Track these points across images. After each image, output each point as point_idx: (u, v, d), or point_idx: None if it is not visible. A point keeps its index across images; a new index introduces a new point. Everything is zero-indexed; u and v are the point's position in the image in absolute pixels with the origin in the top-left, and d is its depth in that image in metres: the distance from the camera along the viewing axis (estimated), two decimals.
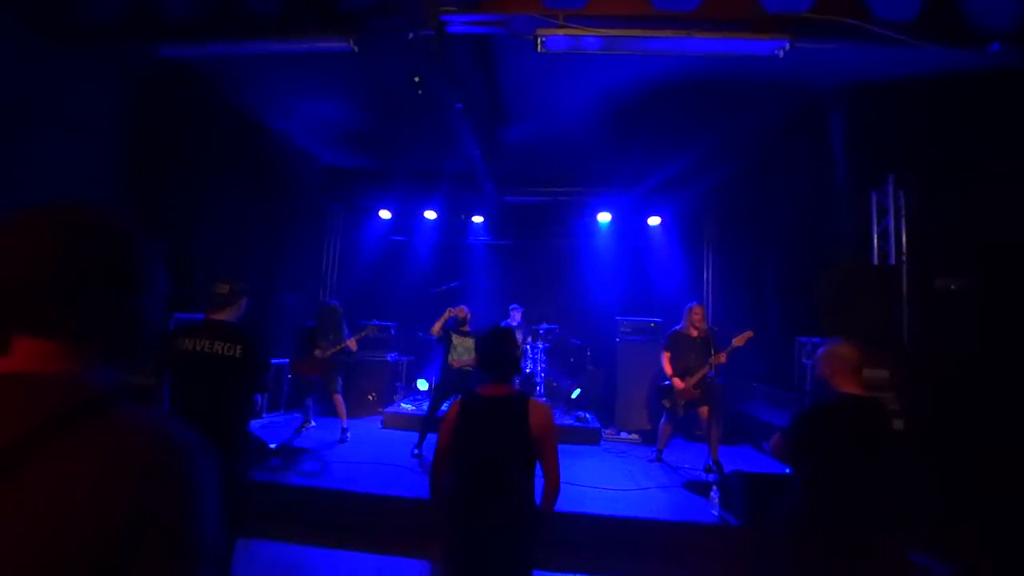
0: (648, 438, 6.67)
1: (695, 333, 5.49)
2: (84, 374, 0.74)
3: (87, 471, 0.64)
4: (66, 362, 0.73)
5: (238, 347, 2.79)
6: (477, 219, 9.02)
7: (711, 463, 5.14)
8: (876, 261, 4.67)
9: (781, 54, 3.58)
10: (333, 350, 6.02)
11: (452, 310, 6.07)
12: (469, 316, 6.07)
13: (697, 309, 5.57)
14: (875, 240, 4.69)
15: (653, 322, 7.15)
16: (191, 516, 0.69)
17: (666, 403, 5.53)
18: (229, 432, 2.76)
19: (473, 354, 5.54)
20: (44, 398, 0.69)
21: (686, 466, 5.51)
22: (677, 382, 5.37)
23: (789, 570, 2.42)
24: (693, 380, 5.32)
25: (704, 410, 5.35)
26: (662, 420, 5.68)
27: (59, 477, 0.63)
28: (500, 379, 2.28)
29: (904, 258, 4.45)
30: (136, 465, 0.66)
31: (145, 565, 0.64)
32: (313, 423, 6.36)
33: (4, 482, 0.61)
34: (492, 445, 2.15)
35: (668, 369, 5.48)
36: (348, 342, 6.05)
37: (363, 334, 6.36)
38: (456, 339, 5.92)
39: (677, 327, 5.65)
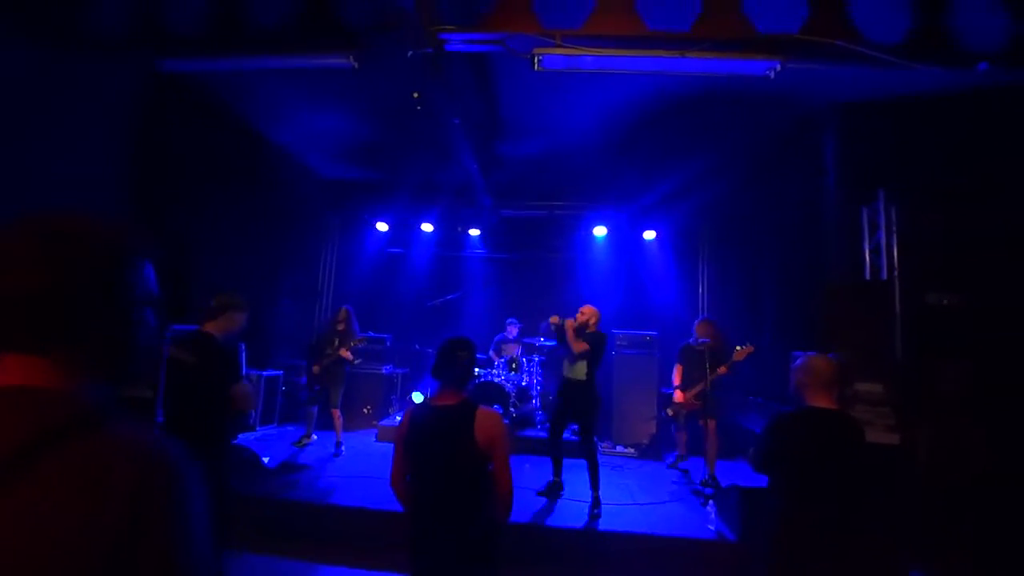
0: (645, 452, 6.65)
1: (701, 346, 5.60)
2: (75, 389, 0.73)
3: (77, 488, 0.63)
4: (57, 377, 0.72)
5: (196, 355, 2.82)
6: (474, 232, 9.05)
7: (707, 477, 5.14)
8: (868, 276, 4.72)
9: (772, 74, 3.65)
10: (332, 357, 6.04)
11: (583, 314, 5.01)
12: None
13: (699, 324, 5.76)
14: (867, 255, 4.74)
15: (649, 335, 7.17)
16: (181, 533, 0.69)
17: (669, 411, 5.77)
18: (206, 441, 2.76)
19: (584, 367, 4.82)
20: (34, 413, 0.68)
21: (684, 480, 5.51)
22: (678, 394, 5.61)
23: None
24: (693, 391, 5.46)
25: (703, 422, 5.41)
26: (672, 429, 6.00)
27: (49, 494, 0.62)
28: (450, 387, 2.25)
29: (896, 273, 4.50)
30: (126, 482, 0.65)
31: None
32: (315, 437, 6.32)
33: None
34: (438, 455, 2.12)
35: (676, 380, 5.75)
36: (340, 351, 6.07)
37: (352, 345, 6.36)
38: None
39: (689, 340, 5.77)
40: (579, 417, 4.80)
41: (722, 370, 5.34)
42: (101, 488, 0.64)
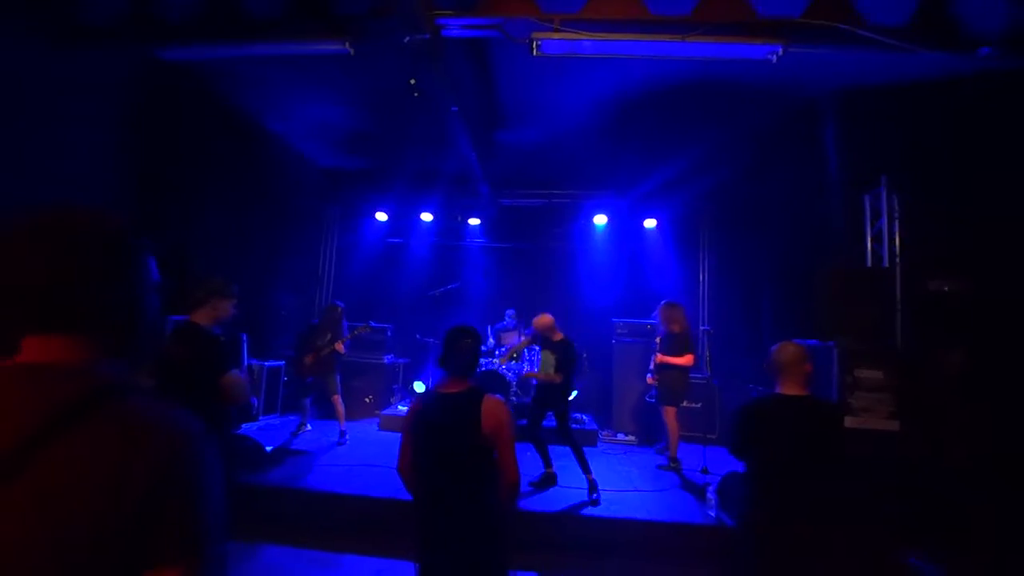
0: (645, 439, 6.69)
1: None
2: (96, 364, 0.80)
3: (107, 453, 0.70)
4: (75, 354, 0.79)
5: (185, 347, 2.79)
6: (474, 221, 9.03)
7: (668, 461, 5.55)
8: (870, 263, 4.70)
9: (774, 58, 3.61)
10: (327, 350, 6.01)
11: (535, 329, 5.07)
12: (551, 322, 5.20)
13: (659, 309, 5.89)
14: (868, 242, 4.72)
15: (649, 324, 7.17)
16: (200, 494, 0.76)
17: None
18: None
19: (551, 369, 4.88)
20: (63, 385, 0.74)
21: (683, 467, 5.53)
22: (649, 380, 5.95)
23: (749, 565, 2.45)
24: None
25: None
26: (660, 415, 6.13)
27: (81, 458, 0.69)
28: (456, 375, 2.26)
29: (897, 260, 4.48)
30: (151, 449, 0.73)
31: (161, 537, 0.71)
32: (309, 426, 6.34)
33: (32, 462, 0.68)
34: (444, 443, 2.14)
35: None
36: (336, 344, 6.04)
37: (355, 333, 6.38)
38: (544, 354, 5.16)
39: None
40: (550, 408, 4.94)
41: (658, 358, 5.63)
42: (128, 455, 0.71)
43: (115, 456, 0.70)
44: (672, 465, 5.48)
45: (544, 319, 5.08)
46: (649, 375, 5.96)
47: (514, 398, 7.01)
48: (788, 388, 2.49)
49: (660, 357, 5.62)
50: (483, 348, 7.00)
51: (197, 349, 2.80)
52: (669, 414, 5.57)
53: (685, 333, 5.64)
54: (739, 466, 2.65)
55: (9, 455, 0.68)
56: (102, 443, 0.71)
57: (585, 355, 8.15)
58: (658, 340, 5.84)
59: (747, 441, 2.50)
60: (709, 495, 4.34)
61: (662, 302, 5.88)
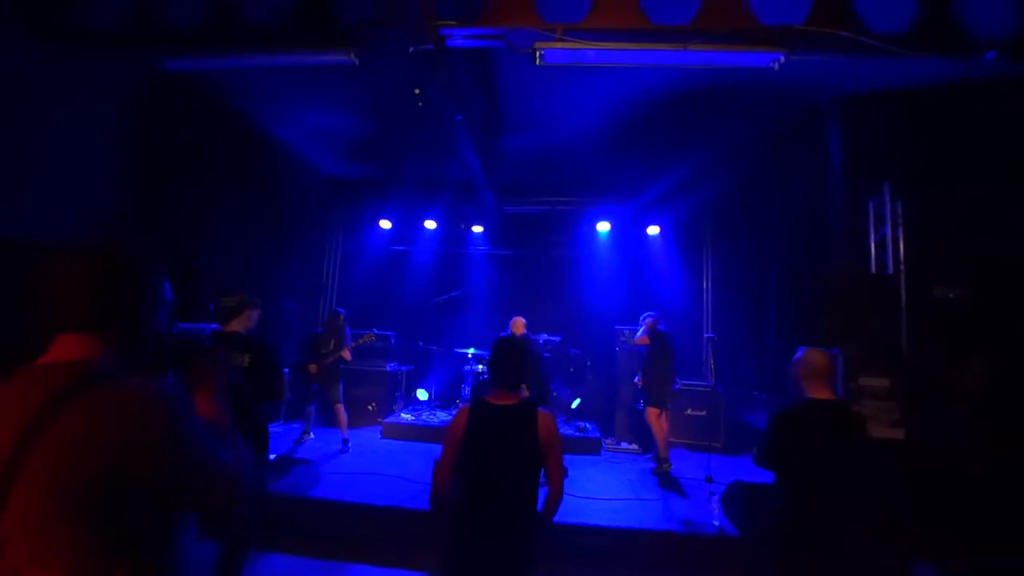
0: (648, 448, 6.65)
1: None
2: (99, 358, 1.02)
3: (93, 422, 0.91)
4: (93, 350, 1.03)
5: (246, 356, 2.93)
6: (477, 229, 9.05)
7: (657, 465, 5.61)
8: (874, 270, 4.68)
9: (776, 66, 3.62)
10: (332, 358, 6.04)
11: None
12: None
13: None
14: (872, 249, 4.70)
15: None
16: (178, 444, 0.98)
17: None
18: (253, 436, 2.83)
19: None
20: (64, 376, 0.96)
21: (687, 476, 5.50)
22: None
23: (767, 572, 2.44)
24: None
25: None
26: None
27: (73, 429, 0.90)
28: (506, 387, 2.31)
29: (901, 267, 4.46)
30: (126, 410, 0.94)
31: (146, 477, 0.93)
32: (312, 435, 6.33)
33: (40, 438, 0.89)
34: (502, 454, 2.17)
35: None
36: (343, 352, 6.07)
37: (360, 342, 6.39)
38: None
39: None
40: None
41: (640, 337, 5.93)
42: (106, 417, 0.92)
43: (99, 423, 0.91)
44: (664, 467, 5.48)
45: (515, 321, 6.09)
46: (637, 377, 6.13)
47: None
48: (820, 392, 2.52)
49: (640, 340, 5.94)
50: (485, 356, 7.05)
51: (263, 358, 3.00)
52: (651, 415, 5.66)
53: (655, 343, 5.86)
54: (744, 475, 2.63)
55: (23, 435, 0.89)
56: (89, 415, 0.91)
57: (589, 363, 8.15)
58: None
59: (786, 447, 2.49)
60: (714, 504, 4.31)
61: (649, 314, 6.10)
